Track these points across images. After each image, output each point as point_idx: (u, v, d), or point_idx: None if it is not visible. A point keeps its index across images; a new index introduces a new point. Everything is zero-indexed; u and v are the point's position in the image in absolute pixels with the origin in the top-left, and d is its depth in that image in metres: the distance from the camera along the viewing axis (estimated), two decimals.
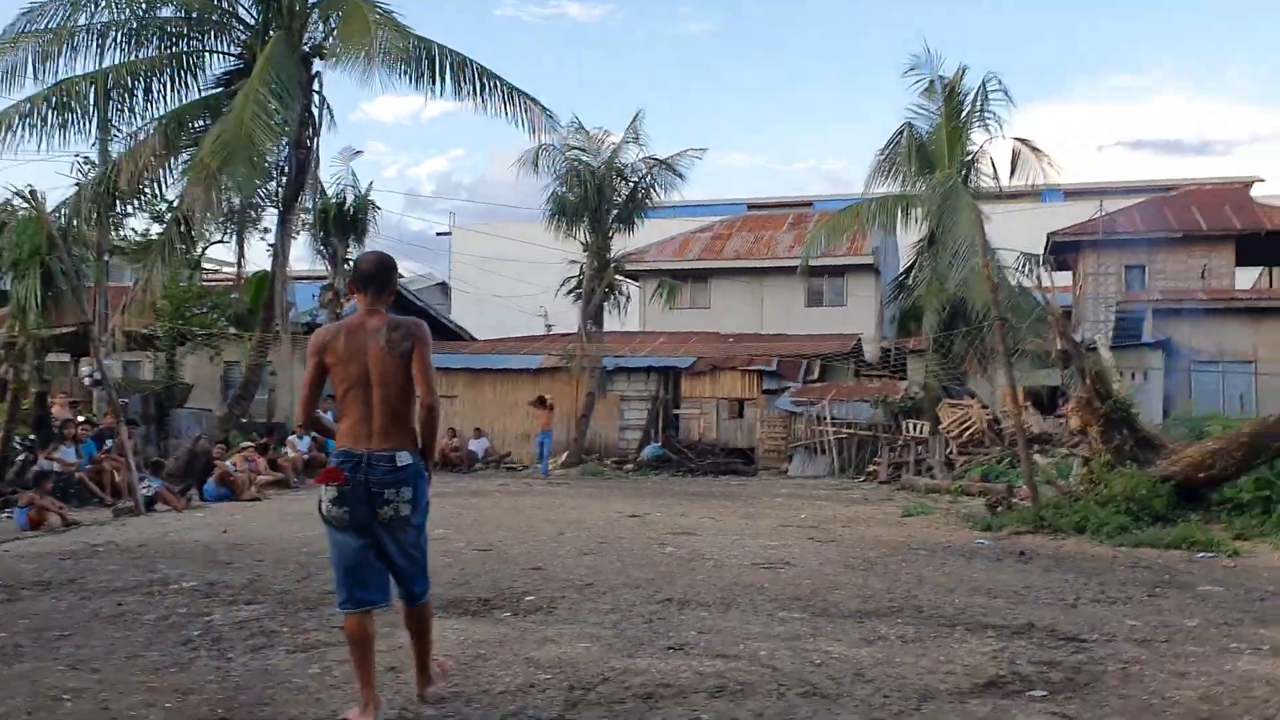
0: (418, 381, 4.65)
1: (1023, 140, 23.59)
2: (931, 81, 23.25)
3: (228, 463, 16.61)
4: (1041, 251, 26.86)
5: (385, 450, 4.60)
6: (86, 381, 21.70)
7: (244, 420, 21.25)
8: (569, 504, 15.64)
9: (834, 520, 13.66)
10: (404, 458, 4.63)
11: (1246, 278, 32.08)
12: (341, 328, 4.76)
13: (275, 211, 21.26)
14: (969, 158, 23.46)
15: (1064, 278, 32.20)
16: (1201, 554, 10.26)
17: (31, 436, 16.85)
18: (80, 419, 17.41)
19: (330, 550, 4.79)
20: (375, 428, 4.62)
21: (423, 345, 4.68)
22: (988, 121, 23.18)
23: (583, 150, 24.89)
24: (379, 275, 4.82)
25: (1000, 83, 23.02)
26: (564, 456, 24.35)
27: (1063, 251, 29.89)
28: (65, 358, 24.30)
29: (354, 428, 4.64)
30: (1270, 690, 5.30)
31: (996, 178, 23.98)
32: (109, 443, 16.50)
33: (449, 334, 32.64)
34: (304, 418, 5.04)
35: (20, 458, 15.86)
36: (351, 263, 25.89)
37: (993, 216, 22.91)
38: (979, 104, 23.08)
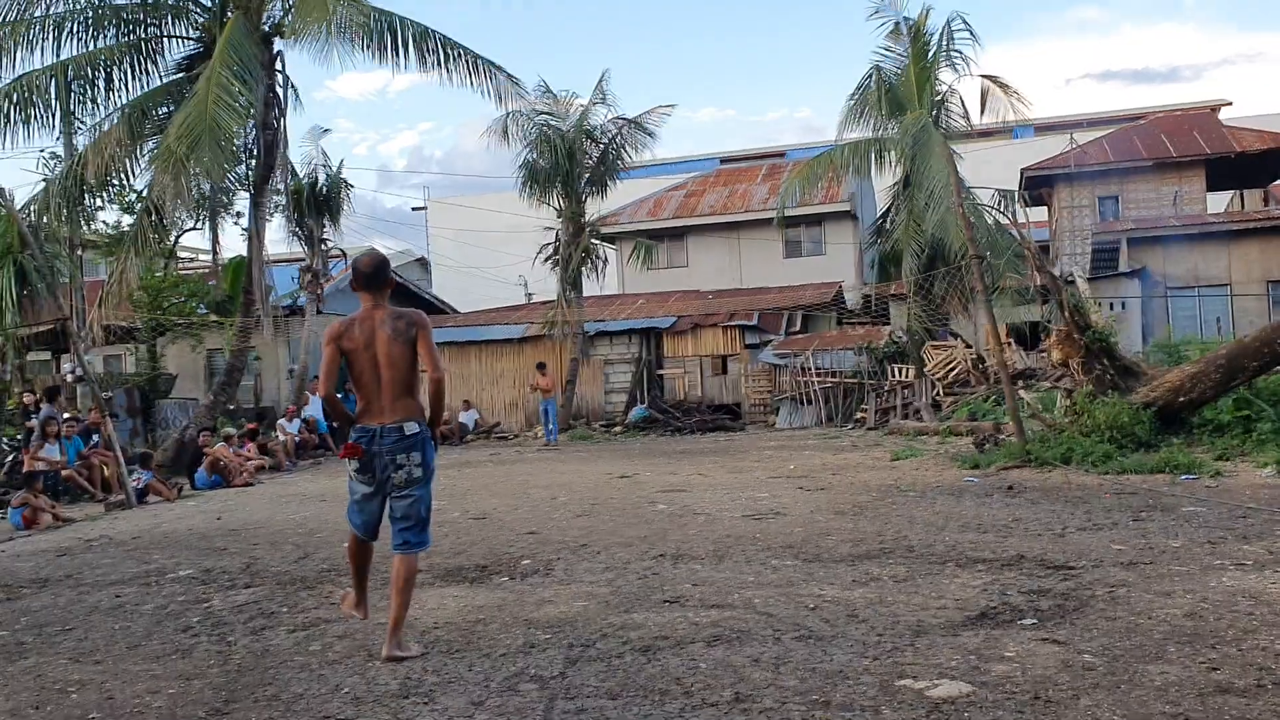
0: (425, 360, 5.32)
1: (990, 77, 23.54)
2: (897, 24, 23.15)
3: (215, 447, 16.59)
4: (1015, 188, 26.88)
5: (395, 422, 5.30)
6: (69, 378, 21.62)
7: (231, 407, 21.23)
8: (560, 469, 15.72)
9: (823, 469, 13.77)
10: (411, 427, 5.31)
11: (1218, 202, 32.22)
12: (354, 319, 5.40)
13: (247, 195, 21.13)
14: (939, 98, 23.41)
15: (1039, 213, 32.32)
16: (1185, 476, 10.42)
17: (18, 436, 16.82)
18: (66, 416, 17.36)
19: (350, 501, 5.53)
20: (385, 405, 5.32)
21: (425, 330, 5.38)
22: (955, 61, 23.11)
23: (551, 115, 24.72)
24: (376, 274, 5.49)
25: (965, 22, 22.94)
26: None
27: (1036, 186, 29.95)
28: (46, 355, 24.16)
29: (368, 407, 5.36)
30: (1253, 604, 5.41)
31: (967, 116, 23.95)
32: (95, 438, 16.48)
33: (431, 308, 32.57)
34: (327, 391, 5.60)
35: (9, 458, 15.84)
36: (340, 255, 25.83)
37: (965, 155, 22.97)
38: (945, 44, 23.00)
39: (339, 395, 5.75)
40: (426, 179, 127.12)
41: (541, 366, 23.30)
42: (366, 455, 5.30)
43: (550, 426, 22.47)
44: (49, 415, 14.89)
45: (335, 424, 5.90)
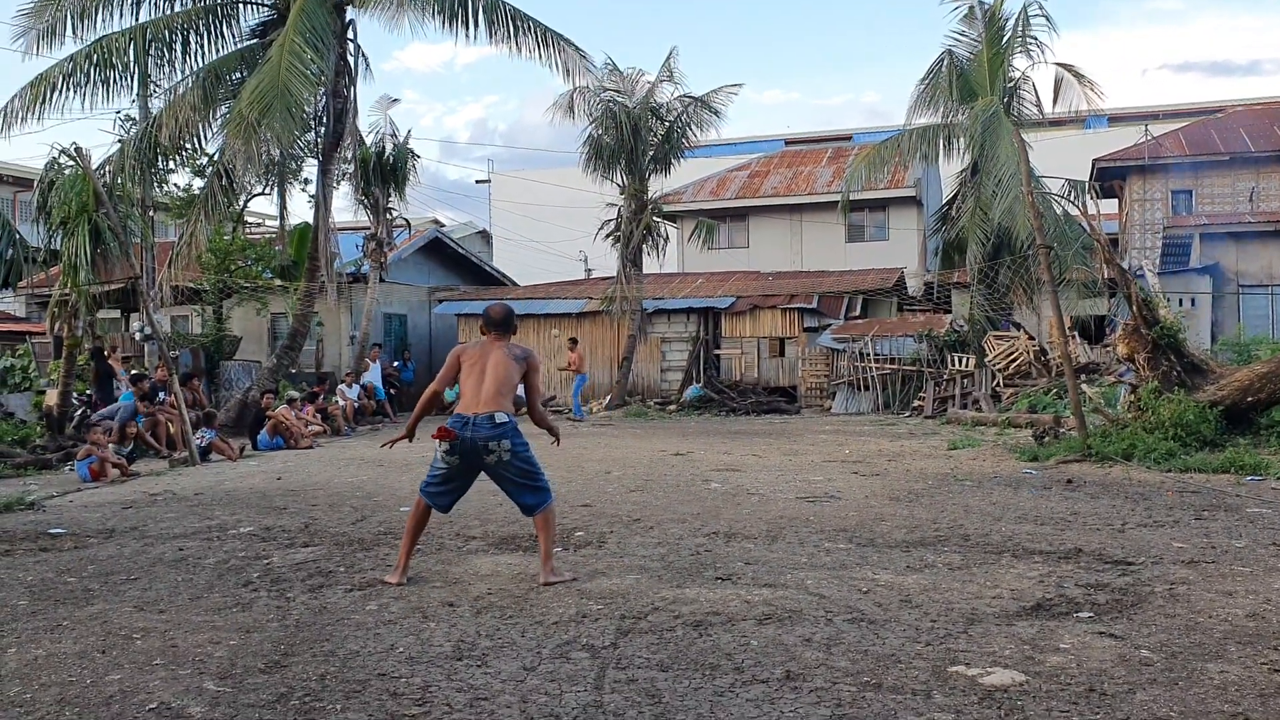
0: (531, 394, 6.49)
1: (1065, 66, 23.05)
2: (971, 7, 22.78)
3: (279, 409, 16.86)
4: (1086, 178, 26.38)
5: (487, 412, 6.09)
6: (138, 337, 22.07)
7: (293, 371, 21.53)
8: (614, 444, 15.78)
9: (879, 455, 13.69)
10: (501, 416, 6.11)
11: None
12: (479, 344, 6.40)
13: (315, 162, 21.36)
14: (1011, 85, 23.00)
15: (1110, 205, 31.68)
16: (1250, 477, 10.21)
17: (89, 392, 17.21)
18: (132, 373, 17.73)
19: (431, 471, 6.30)
20: (482, 398, 6.12)
21: (536, 369, 6.45)
22: (1029, 47, 22.66)
23: (618, 92, 24.66)
24: (504, 321, 6.41)
25: (1041, 7, 22.54)
26: (607, 399, 24.48)
27: (1108, 178, 29.38)
28: (116, 314, 24.65)
29: (467, 398, 6.17)
30: None
31: (1039, 105, 23.51)
32: (162, 396, 16.82)
33: (491, 280, 32.78)
34: (438, 389, 6.54)
35: (79, 412, 16.22)
36: (404, 224, 25.98)
37: (1036, 144, 22.55)
38: (1020, 29, 22.58)
39: (396, 365, 6.24)
40: (490, 152, 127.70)
41: (574, 342, 23.43)
42: (458, 439, 6.04)
43: (576, 402, 22.69)
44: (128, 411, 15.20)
45: (416, 413, 6.77)
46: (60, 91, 18.22)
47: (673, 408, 24.22)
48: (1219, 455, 11.12)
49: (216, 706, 4.15)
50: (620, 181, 24.90)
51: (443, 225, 38.41)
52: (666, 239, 26.13)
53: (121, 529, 8.65)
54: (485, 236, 45.69)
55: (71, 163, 15.46)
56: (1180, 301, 21.66)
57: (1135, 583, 5.94)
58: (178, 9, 19.24)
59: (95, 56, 18.23)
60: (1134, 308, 13.61)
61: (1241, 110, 32.51)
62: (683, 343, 26.03)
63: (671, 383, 25.82)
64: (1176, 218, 26.42)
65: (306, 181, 24.09)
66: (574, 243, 37.30)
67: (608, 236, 25.43)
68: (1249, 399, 12.41)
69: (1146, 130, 32.20)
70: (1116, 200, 31.48)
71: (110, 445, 13.52)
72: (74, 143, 17.96)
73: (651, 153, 24.86)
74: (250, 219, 29.48)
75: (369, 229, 25.30)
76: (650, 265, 26.42)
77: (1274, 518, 8.04)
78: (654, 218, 25.17)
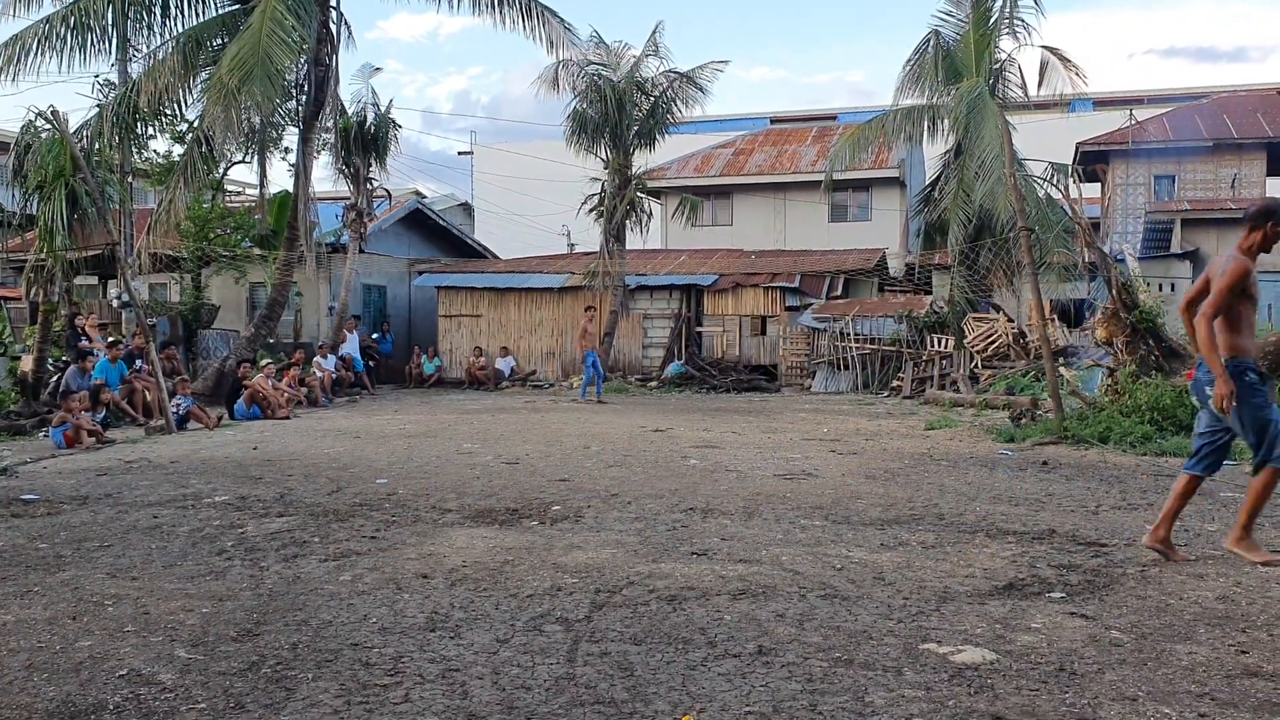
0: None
1: (1051, 49, 23.04)
2: None
3: (255, 379, 16.78)
4: (1070, 162, 26.45)
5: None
6: (115, 303, 21.90)
7: (271, 340, 21.42)
8: (594, 420, 15.77)
9: (856, 434, 13.73)
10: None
11: (1278, 186, 31.56)
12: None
13: (296, 130, 21.19)
14: (997, 66, 22.98)
15: (1093, 189, 31.80)
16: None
17: (64, 358, 17.08)
18: (110, 340, 17.60)
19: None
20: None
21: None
22: (1016, 29, 22.62)
23: (603, 65, 24.53)
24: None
25: None
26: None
27: (1091, 162, 29.48)
28: (93, 280, 24.45)
29: (1249, 344, 5.85)
30: None
31: (1024, 87, 23.52)
32: (139, 363, 16.71)
33: (473, 253, 32.66)
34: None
35: (54, 378, 16.10)
36: (385, 195, 25.80)
37: (1020, 127, 22.57)
38: (1008, 10, 22.55)
39: (374, 337, 5.80)
40: (473, 123, 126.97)
41: (590, 311, 22.42)
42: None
43: (591, 380, 21.05)
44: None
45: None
46: (35, 54, 18.01)
47: (654, 384, 24.24)
48: None
49: (187, 674, 4.13)
50: (604, 156, 24.81)
51: (424, 196, 38.19)
52: (650, 215, 26.06)
53: (95, 496, 8.61)
54: (467, 209, 45.46)
55: (49, 126, 15.29)
56: (1160, 286, 21.77)
57: (1108, 564, 5.98)
58: None
59: (72, 19, 18.02)
60: (1114, 292, 13.67)
61: (1226, 96, 32.66)
62: (665, 319, 26.02)
63: (653, 359, 25.82)
64: (1158, 203, 26.55)
65: (287, 150, 23.95)
66: (557, 217, 37.16)
67: (591, 211, 25.35)
68: None
69: (1131, 115, 32.30)
70: (1099, 184, 31.60)
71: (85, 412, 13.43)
72: (51, 106, 17.78)
73: (636, 128, 24.76)
74: (230, 187, 29.22)
75: (349, 199, 25.14)
76: (633, 241, 26.36)
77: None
78: (638, 193, 25.09)
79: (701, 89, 25.06)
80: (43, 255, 15.24)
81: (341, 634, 4.66)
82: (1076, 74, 22.84)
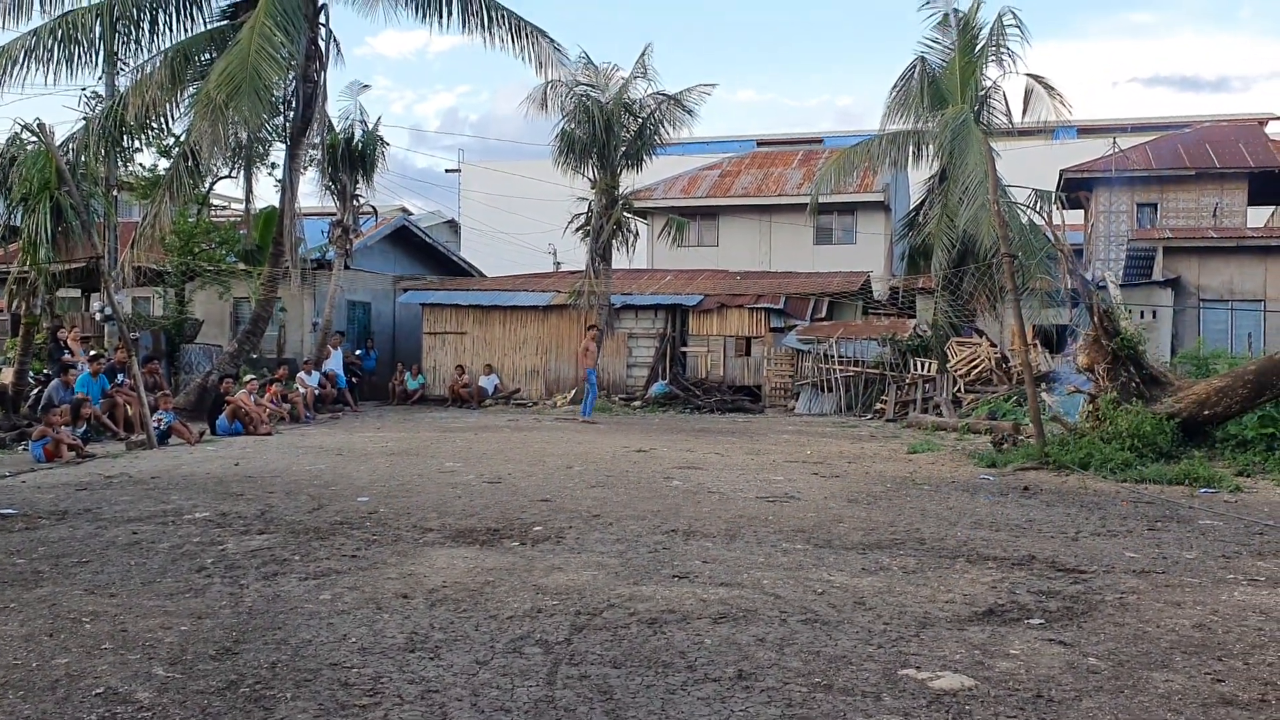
0: None
1: (1036, 77, 23.29)
2: (946, 15, 22.96)
3: (237, 395, 16.72)
4: (1053, 189, 26.64)
5: None
6: (98, 317, 21.80)
7: (254, 356, 21.35)
8: (577, 439, 15.76)
9: (839, 456, 13.76)
10: None
11: (1260, 216, 31.86)
12: None
13: (283, 146, 21.18)
14: (982, 93, 23.21)
15: (1076, 216, 32.03)
16: (1204, 489, 10.35)
17: (45, 371, 16.99)
18: (91, 353, 17.52)
19: None
20: None
21: None
22: (1002, 57, 22.87)
23: (591, 86, 24.60)
24: None
25: (1016, 16, 22.71)
26: (571, 393, 24.45)
27: (1075, 189, 29.69)
28: (76, 293, 24.33)
29: None
30: (1263, 619, 5.39)
31: (1009, 114, 23.75)
32: (121, 377, 16.63)
33: (458, 271, 32.63)
34: None
35: (35, 391, 16.01)
36: (371, 211, 25.83)
37: (1004, 153, 22.76)
38: (994, 38, 22.78)
39: (358, 353, 5.71)
40: (460, 141, 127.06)
41: (591, 330, 22.10)
42: None
43: (592, 398, 20.64)
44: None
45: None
46: (22, 66, 17.97)
47: (638, 404, 24.24)
48: (1174, 467, 11.26)
49: (165, 692, 4.11)
50: (591, 176, 24.85)
51: (410, 214, 38.17)
52: (636, 235, 26.09)
53: (74, 511, 8.55)
54: (453, 226, 45.47)
55: (34, 138, 15.26)
56: (1141, 314, 21.93)
57: (1086, 591, 6.01)
58: None
59: (60, 31, 18.00)
60: (1095, 318, 13.75)
61: (1208, 126, 32.96)
62: (650, 339, 26.03)
63: (637, 379, 25.82)
64: (1141, 230, 26.73)
65: (273, 165, 23.88)
66: (543, 236, 37.20)
67: (577, 230, 25.36)
68: (1205, 412, 12.59)
69: (1114, 143, 32.60)
70: (1082, 211, 31.83)
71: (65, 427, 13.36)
72: (37, 118, 17.74)
73: (623, 148, 24.81)
74: (216, 202, 29.18)
75: (335, 215, 25.10)
76: (619, 261, 26.39)
77: (1225, 530, 8.15)
78: (624, 213, 25.12)
79: (689, 111, 25.15)
80: (26, 268, 15.18)
81: (321, 653, 4.65)
82: (1060, 102, 23.09)
